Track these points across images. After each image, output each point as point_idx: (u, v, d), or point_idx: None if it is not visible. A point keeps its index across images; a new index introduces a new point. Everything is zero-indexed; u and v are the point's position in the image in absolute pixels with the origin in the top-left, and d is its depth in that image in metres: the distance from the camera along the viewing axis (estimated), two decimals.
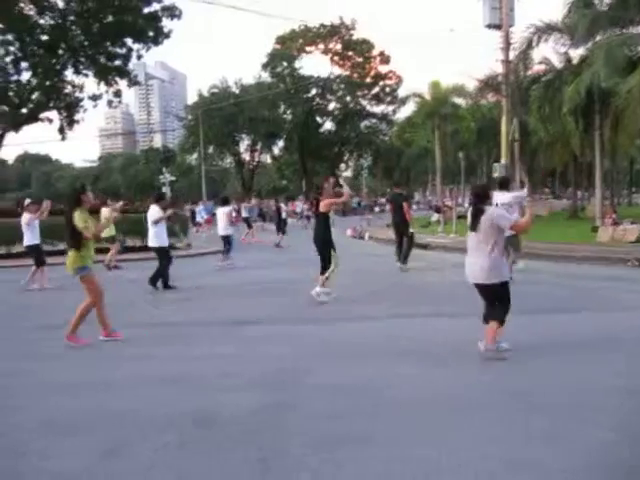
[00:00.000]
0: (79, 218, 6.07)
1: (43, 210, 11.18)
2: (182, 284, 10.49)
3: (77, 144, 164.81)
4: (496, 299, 5.24)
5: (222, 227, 13.85)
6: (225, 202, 14.55)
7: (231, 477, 3.17)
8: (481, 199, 5.29)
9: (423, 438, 3.59)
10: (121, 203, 11.75)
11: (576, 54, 22.91)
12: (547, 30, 20.90)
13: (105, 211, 13.07)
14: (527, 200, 9.16)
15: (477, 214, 5.18)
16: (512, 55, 21.37)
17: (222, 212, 14.00)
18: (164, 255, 10.34)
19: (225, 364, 5.36)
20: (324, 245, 8.54)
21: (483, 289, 5.28)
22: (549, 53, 24.91)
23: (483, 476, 3.08)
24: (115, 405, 4.33)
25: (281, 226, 20.50)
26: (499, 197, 9.23)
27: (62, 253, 10.45)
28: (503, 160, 21.09)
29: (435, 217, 28.62)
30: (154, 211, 10.38)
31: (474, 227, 5.22)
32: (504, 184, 9.85)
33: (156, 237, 10.32)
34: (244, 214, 24.75)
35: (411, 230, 12.04)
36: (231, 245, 13.87)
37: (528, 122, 25.17)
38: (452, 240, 18.80)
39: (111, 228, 13.51)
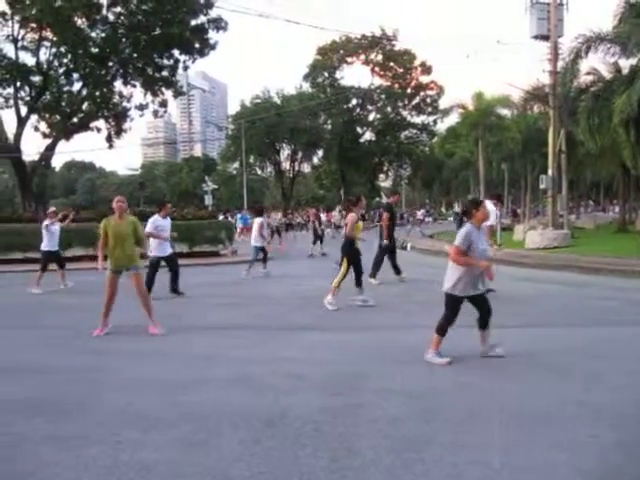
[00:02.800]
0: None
1: (67, 218, 11.95)
2: (226, 291, 10.70)
3: (120, 153, 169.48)
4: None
5: (253, 237, 14.02)
6: (259, 213, 14.65)
7: (307, 474, 3.28)
8: (464, 213, 5.63)
9: (486, 444, 3.63)
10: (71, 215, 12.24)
11: (626, 64, 22.45)
12: (597, 40, 20.54)
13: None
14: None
15: (460, 225, 5.64)
16: (559, 66, 21.11)
17: (255, 223, 14.16)
18: (170, 264, 10.42)
19: (291, 367, 5.48)
20: (346, 255, 8.88)
21: None
22: (597, 64, 24.43)
23: None
24: (190, 402, 4.53)
25: (319, 235, 20.54)
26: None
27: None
28: (550, 171, 20.80)
29: None
30: (149, 221, 10.28)
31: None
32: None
33: (155, 247, 10.17)
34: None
35: (385, 241, 11.65)
36: (265, 255, 14.03)
37: (575, 133, 24.73)
38: (498, 252, 18.54)
39: None
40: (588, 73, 23.68)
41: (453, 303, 5.46)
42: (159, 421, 4.13)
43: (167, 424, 4.07)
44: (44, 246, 11.67)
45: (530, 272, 14.05)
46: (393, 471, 3.28)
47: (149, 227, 9.97)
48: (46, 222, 11.69)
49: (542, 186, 21.36)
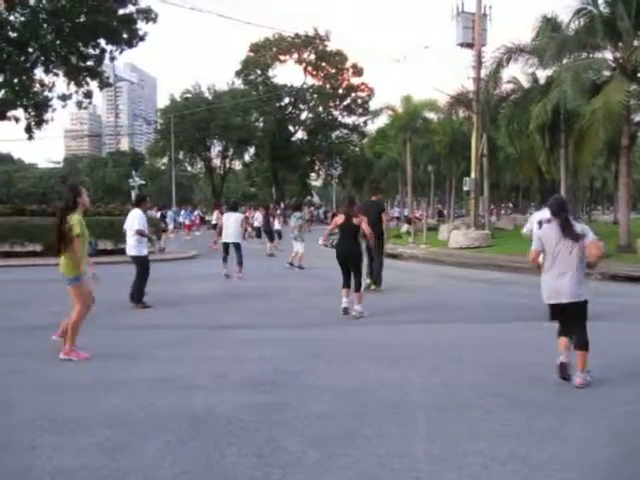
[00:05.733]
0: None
1: None
2: (165, 289, 10.45)
3: (41, 144, 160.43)
4: (578, 318, 4.96)
5: (232, 234, 12.70)
6: (234, 208, 13.51)
7: (232, 472, 3.27)
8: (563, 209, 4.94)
9: (409, 436, 3.76)
10: None
11: (543, 75, 23.71)
12: (517, 51, 21.57)
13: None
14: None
15: (568, 224, 4.85)
16: (483, 73, 22.04)
17: (233, 219, 12.79)
18: (143, 265, 9.04)
19: (217, 366, 5.45)
20: (358, 259, 8.27)
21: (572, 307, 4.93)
22: (517, 73, 25.70)
23: (466, 470, 3.27)
24: (112, 404, 4.40)
25: (272, 234, 20.33)
26: None
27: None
28: (473, 174, 21.67)
29: (405, 228, 29.15)
30: (137, 216, 8.98)
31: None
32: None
33: (137, 245, 8.98)
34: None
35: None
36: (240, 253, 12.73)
37: (497, 138, 25.85)
38: (424, 250, 19.20)
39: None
40: (509, 82, 24.84)
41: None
42: (79, 424, 3.98)
43: (87, 427, 3.93)
44: None
45: (452, 270, 14.60)
46: (319, 466, 3.33)
47: (141, 224, 8.90)
48: None
49: (466, 188, 22.24)
